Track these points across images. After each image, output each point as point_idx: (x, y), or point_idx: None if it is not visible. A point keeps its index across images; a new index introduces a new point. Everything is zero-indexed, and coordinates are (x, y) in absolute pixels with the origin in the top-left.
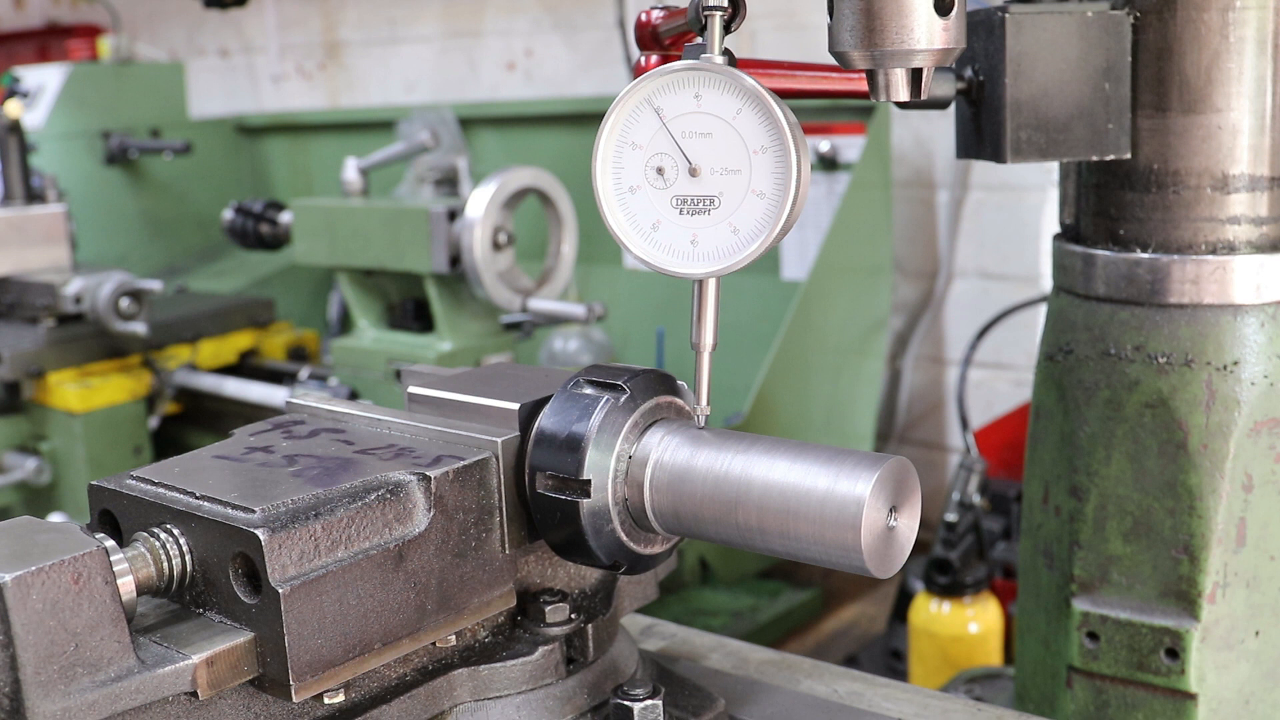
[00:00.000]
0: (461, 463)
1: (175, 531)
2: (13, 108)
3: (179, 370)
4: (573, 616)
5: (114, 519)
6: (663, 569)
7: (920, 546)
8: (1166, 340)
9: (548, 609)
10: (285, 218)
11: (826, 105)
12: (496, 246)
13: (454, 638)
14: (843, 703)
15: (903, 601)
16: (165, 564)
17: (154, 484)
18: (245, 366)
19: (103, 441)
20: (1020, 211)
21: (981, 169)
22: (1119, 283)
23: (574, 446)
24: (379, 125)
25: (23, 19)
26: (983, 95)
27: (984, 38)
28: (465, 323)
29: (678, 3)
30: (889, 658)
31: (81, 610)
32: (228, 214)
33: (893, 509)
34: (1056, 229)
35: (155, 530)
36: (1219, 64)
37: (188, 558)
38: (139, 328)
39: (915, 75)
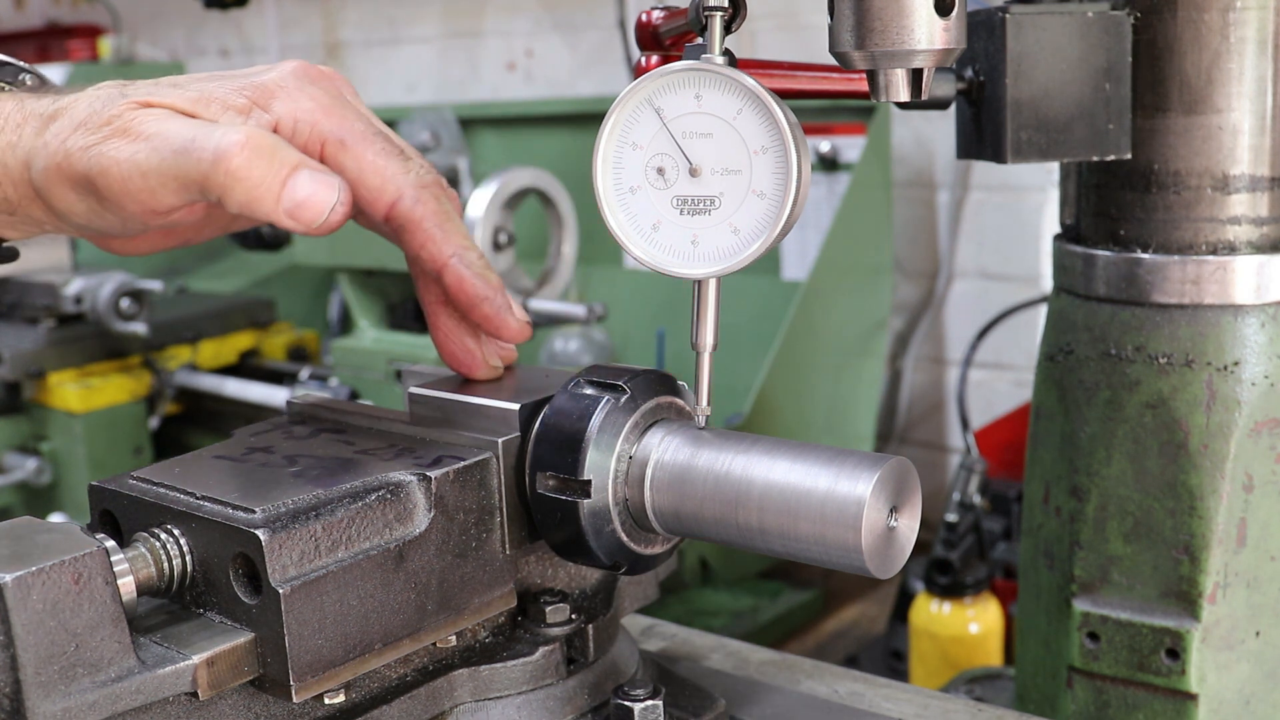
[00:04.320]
0: (462, 463)
1: (175, 532)
2: None
3: (179, 370)
4: (573, 617)
5: (114, 519)
6: (663, 569)
7: (921, 547)
8: (1167, 340)
9: (548, 609)
10: None
11: (827, 105)
12: (497, 247)
13: (454, 638)
14: (843, 703)
15: (903, 602)
16: (165, 564)
17: (154, 484)
18: (245, 367)
19: (103, 442)
20: (1020, 212)
21: (982, 169)
22: (1119, 283)
23: (574, 447)
24: None
25: (23, 19)
26: (983, 95)
27: (984, 38)
28: None
29: (678, 3)
30: (889, 658)
31: (82, 610)
32: None
33: (893, 509)
34: (1057, 229)
35: (155, 531)
36: (1219, 64)
37: (188, 558)
38: (139, 328)
39: (916, 76)
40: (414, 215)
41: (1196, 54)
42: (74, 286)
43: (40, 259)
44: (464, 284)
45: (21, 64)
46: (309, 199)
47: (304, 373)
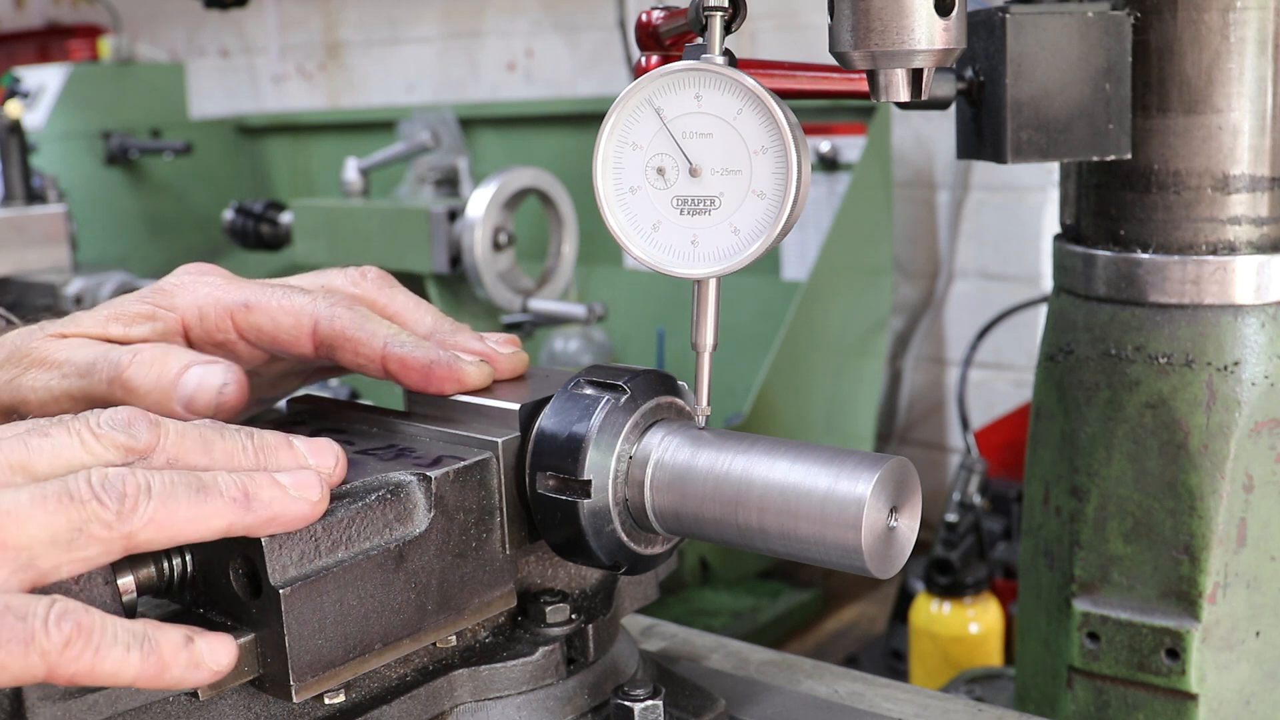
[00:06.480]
0: (462, 463)
1: None
2: (13, 108)
3: None
4: (573, 617)
5: None
6: (663, 569)
7: (921, 547)
8: (1167, 340)
9: (548, 609)
10: (286, 218)
11: (827, 105)
12: (497, 247)
13: (454, 638)
14: (843, 703)
15: (903, 602)
16: (165, 564)
17: None
18: None
19: None
20: (1021, 212)
21: (982, 169)
22: (1119, 283)
23: (574, 447)
24: (379, 125)
25: (23, 19)
26: (983, 96)
27: (984, 38)
28: (466, 323)
29: (678, 3)
30: (889, 658)
31: None
32: (228, 214)
33: (893, 509)
34: (1057, 229)
35: None
36: (1219, 64)
37: (188, 558)
38: None
39: (916, 76)
40: (334, 329)
41: (1196, 54)
42: (74, 286)
43: (40, 259)
44: (406, 361)
45: None
46: (198, 388)
47: None
